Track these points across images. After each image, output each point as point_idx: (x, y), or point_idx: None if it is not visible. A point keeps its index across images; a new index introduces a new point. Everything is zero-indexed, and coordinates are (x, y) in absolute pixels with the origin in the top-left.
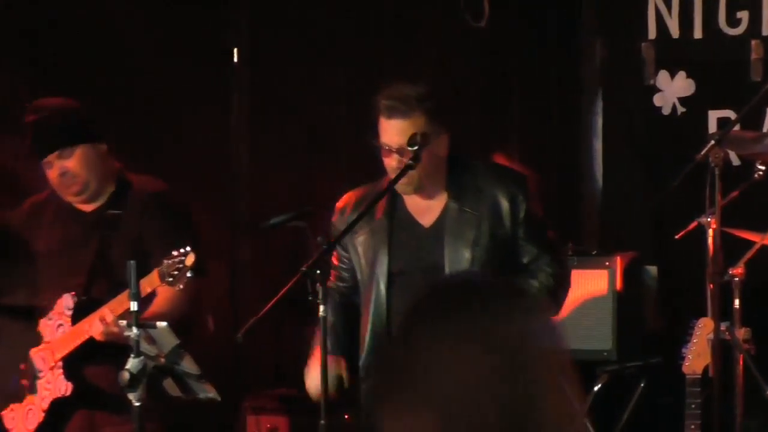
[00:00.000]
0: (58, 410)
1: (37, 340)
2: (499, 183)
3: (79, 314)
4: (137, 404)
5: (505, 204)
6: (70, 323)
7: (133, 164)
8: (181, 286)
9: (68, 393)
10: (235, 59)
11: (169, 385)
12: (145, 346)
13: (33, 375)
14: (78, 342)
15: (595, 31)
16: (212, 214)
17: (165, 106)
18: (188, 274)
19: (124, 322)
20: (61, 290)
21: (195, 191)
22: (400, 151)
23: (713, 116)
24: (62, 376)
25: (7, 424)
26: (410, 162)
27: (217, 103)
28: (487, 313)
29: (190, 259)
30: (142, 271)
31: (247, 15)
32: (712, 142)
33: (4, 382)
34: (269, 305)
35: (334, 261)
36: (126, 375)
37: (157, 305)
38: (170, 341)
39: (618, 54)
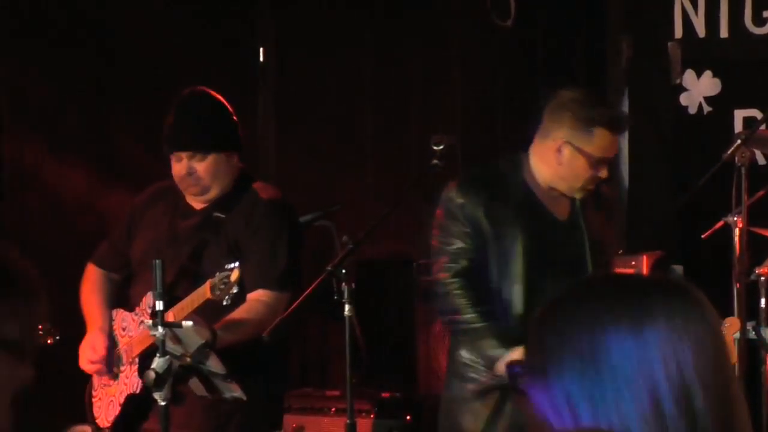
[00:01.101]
0: (133, 406)
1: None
2: None
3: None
4: (163, 403)
5: None
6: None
7: (159, 167)
8: (228, 300)
9: (138, 390)
10: (261, 59)
11: (195, 385)
12: (170, 346)
13: (118, 366)
14: (149, 342)
15: (622, 31)
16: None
17: None
18: (233, 290)
19: (149, 322)
20: (151, 286)
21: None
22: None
23: (739, 115)
24: (136, 373)
25: (96, 411)
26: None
27: (244, 104)
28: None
29: (234, 275)
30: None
31: (273, 15)
32: (738, 141)
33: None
34: (295, 304)
35: (458, 242)
36: (152, 374)
37: (239, 312)
38: (196, 341)
39: (644, 54)
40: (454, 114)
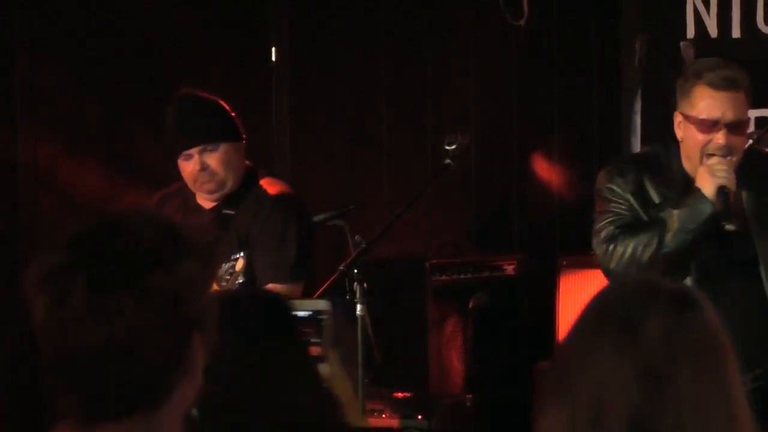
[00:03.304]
0: None
1: None
2: None
3: None
4: None
5: None
6: None
7: (171, 167)
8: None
9: None
10: (274, 58)
11: None
12: None
13: None
14: None
15: (635, 30)
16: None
17: None
18: (240, 279)
19: None
20: None
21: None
22: (732, 128)
23: (751, 115)
24: None
25: None
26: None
27: (258, 103)
28: (634, 314)
29: (239, 264)
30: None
31: (286, 13)
32: (750, 141)
33: None
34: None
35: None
36: None
37: None
38: None
39: (657, 53)
40: (469, 113)
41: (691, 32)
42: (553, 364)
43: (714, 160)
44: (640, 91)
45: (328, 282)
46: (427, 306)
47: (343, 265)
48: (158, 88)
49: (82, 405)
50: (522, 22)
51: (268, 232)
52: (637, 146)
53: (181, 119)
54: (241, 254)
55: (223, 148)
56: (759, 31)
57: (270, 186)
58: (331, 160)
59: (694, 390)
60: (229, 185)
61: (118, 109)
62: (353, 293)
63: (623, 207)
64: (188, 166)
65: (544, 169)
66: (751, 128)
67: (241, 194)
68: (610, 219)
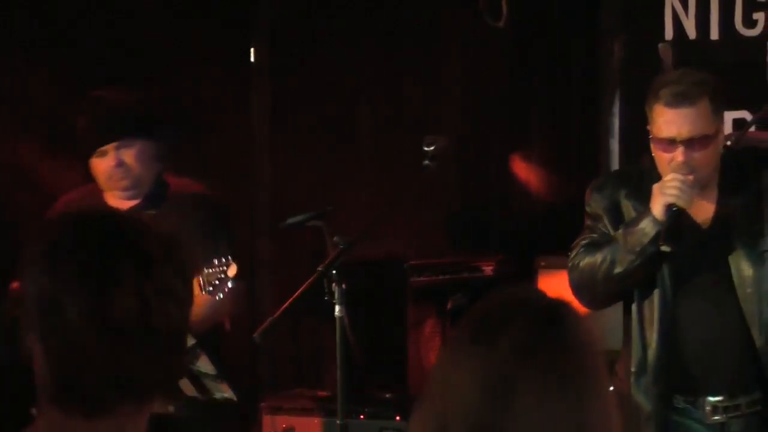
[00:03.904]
0: None
1: None
2: None
3: None
4: None
5: None
6: None
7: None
8: (221, 296)
9: None
10: (253, 58)
11: (185, 385)
12: None
13: None
14: None
15: (614, 32)
16: (233, 214)
17: (184, 107)
18: (229, 284)
19: None
20: None
21: (215, 191)
22: (689, 144)
23: (729, 117)
24: None
25: None
26: (427, 163)
27: (237, 104)
28: (491, 326)
29: (232, 270)
30: None
31: (265, 14)
32: (728, 142)
33: None
34: (285, 305)
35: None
36: None
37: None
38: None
39: (636, 55)
40: (449, 115)
41: (669, 34)
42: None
43: (669, 177)
44: (618, 93)
45: (307, 283)
46: (406, 307)
47: (321, 266)
48: (137, 87)
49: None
50: (501, 24)
51: (198, 228)
52: (615, 148)
53: (95, 117)
54: (230, 258)
55: (138, 145)
56: (737, 32)
57: (183, 183)
58: (310, 160)
59: (540, 407)
60: (144, 184)
61: None
62: (332, 294)
63: (597, 223)
64: (103, 164)
65: (523, 170)
66: (729, 130)
67: (159, 193)
68: (584, 236)
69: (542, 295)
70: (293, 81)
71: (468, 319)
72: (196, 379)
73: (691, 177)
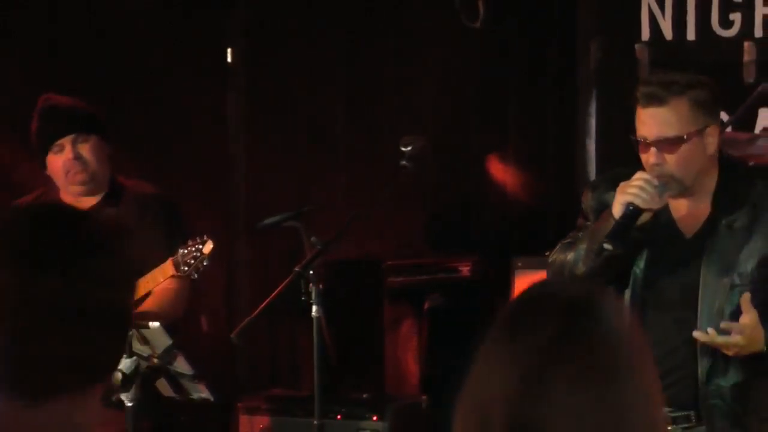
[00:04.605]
0: None
1: None
2: None
3: None
4: (130, 404)
5: None
6: None
7: (129, 165)
8: (196, 275)
9: None
10: (229, 59)
11: (162, 386)
12: (137, 347)
13: None
14: None
15: (591, 33)
16: (209, 214)
17: (160, 106)
18: (204, 263)
19: None
20: None
21: (192, 191)
22: (658, 145)
23: None
24: None
25: None
26: (404, 163)
27: (213, 104)
28: (524, 320)
29: (207, 247)
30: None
31: (242, 15)
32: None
33: None
34: (262, 306)
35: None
36: (118, 375)
37: (149, 304)
38: (163, 341)
39: (613, 55)
40: (426, 115)
41: (646, 34)
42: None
43: (635, 176)
44: (595, 93)
45: (284, 283)
46: (382, 307)
47: (298, 266)
48: (112, 88)
49: (19, 383)
50: (478, 25)
51: (155, 228)
52: (592, 149)
53: (50, 115)
54: (205, 237)
55: (94, 139)
56: (714, 33)
57: (136, 184)
58: (286, 161)
59: (576, 397)
60: (98, 179)
61: None
62: (309, 294)
63: (586, 222)
64: (60, 158)
65: (500, 171)
66: None
67: (117, 193)
68: (571, 233)
69: (571, 288)
70: (269, 82)
71: (504, 312)
72: (174, 379)
73: (656, 178)
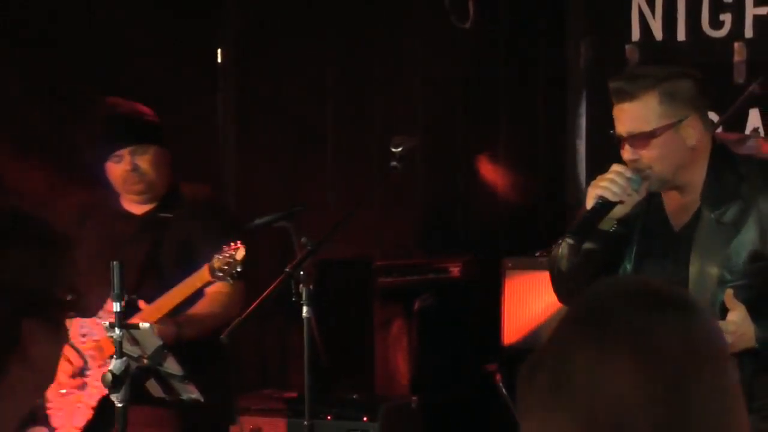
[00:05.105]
0: (106, 408)
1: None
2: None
3: (127, 314)
4: (120, 405)
5: None
6: None
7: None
8: (230, 281)
9: None
10: (219, 60)
11: (152, 386)
12: (128, 347)
13: (81, 372)
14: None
15: (581, 34)
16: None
17: (150, 106)
18: (238, 269)
19: (106, 323)
20: (109, 290)
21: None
22: (630, 141)
23: None
24: None
25: (54, 422)
26: (394, 164)
27: (203, 104)
28: (643, 322)
29: (240, 253)
30: (191, 273)
31: (232, 15)
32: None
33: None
34: (252, 306)
35: None
36: (109, 376)
37: (201, 306)
38: (153, 342)
39: (603, 56)
40: (416, 116)
41: (636, 35)
42: (541, 371)
43: (612, 168)
44: (585, 93)
45: (274, 284)
46: (373, 308)
47: (289, 266)
48: (103, 89)
49: None
50: (468, 25)
51: (209, 233)
52: (582, 149)
53: (111, 123)
54: (239, 242)
55: (152, 150)
56: (704, 33)
57: (197, 189)
58: (277, 161)
59: (712, 398)
60: (158, 188)
61: (61, 111)
62: (299, 295)
63: None
64: (118, 168)
65: (490, 171)
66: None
67: (173, 198)
68: None
69: (657, 284)
70: (259, 82)
71: (593, 321)
72: (163, 380)
73: (631, 170)
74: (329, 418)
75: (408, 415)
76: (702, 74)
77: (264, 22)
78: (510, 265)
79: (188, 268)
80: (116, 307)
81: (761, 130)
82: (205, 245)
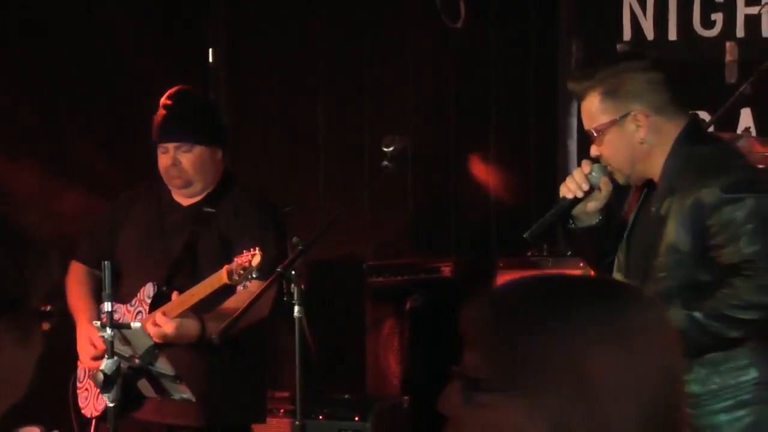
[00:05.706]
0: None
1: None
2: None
3: (157, 303)
4: (112, 404)
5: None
6: (147, 311)
7: (110, 165)
8: (247, 285)
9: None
10: (210, 60)
11: (144, 386)
12: (119, 347)
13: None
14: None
15: (572, 33)
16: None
17: (141, 107)
18: (253, 275)
19: (98, 323)
20: (146, 278)
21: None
22: (591, 135)
23: None
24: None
25: (81, 402)
26: (385, 164)
27: None
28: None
29: (255, 260)
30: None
31: (224, 15)
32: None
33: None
34: (245, 306)
35: None
36: (100, 376)
37: (233, 302)
38: (144, 342)
39: (594, 55)
40: (407, 116)
41: (627, 34)
42: (524, 357)
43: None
44: None
45: (266, 284)
46: (364, 307)
47: (280, 266)
48: (94, 88)
49: None
50: (459, 25)
51: (249, 231)
52: (573, 149)
53: (167, 114)
54: (257, 249)
55: (197, 150)
56: (696, 33)
57: (247, 189)
58: (268, 161)
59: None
60: (197, 186)
61: (54, 109)
62: (291, 295)
63: None
64: (163, 159)
65: (481, 171)
66: None
67: (220, 194)
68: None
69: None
70: (251, 82)
71: (578, 317)
72: (156, 379)
73: (589, 167)
74: (321, 417)
75: (399, 415)
76: (694, 75)
77: (256, 23)
78: (501, 264)
79: (223, 264)
80: (107, 306)
81: (753, 130)
82: (241, 246)
